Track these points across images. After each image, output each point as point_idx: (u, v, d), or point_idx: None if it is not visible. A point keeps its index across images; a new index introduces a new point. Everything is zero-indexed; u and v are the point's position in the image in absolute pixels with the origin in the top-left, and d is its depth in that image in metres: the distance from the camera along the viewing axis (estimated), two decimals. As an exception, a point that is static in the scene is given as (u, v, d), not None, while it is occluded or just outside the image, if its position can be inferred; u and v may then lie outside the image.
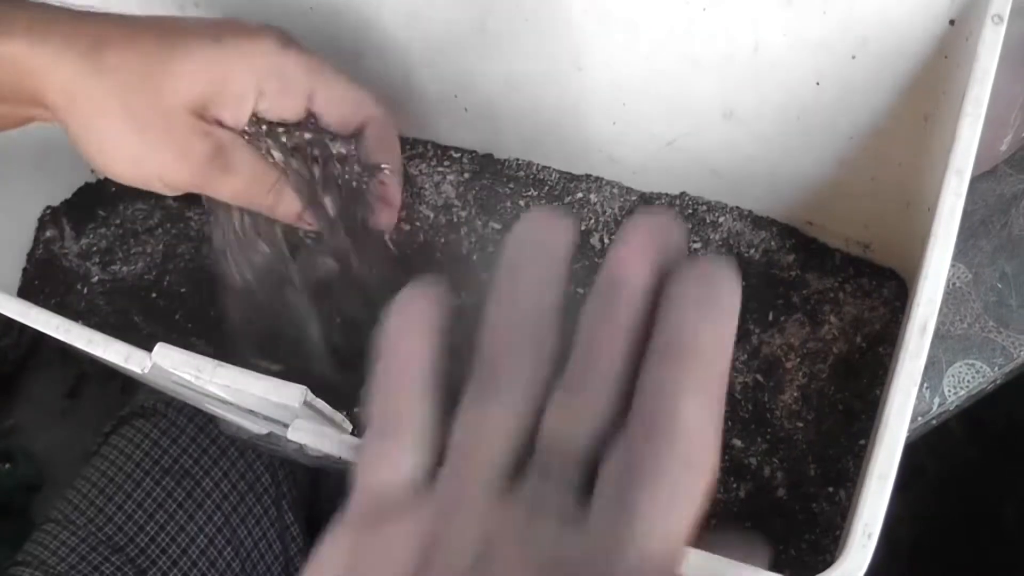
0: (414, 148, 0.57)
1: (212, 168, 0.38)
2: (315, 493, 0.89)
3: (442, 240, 0.53)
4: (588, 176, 0.53)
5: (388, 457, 0.23)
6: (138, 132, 0.37)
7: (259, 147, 0.40)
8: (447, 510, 0.22)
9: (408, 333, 0.25)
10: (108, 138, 0.37)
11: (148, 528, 0.63)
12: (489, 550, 0.21)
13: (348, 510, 0.23)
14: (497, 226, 0.54)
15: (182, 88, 0.37)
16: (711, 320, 0.22)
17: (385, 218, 0.46)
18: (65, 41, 0.36)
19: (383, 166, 0.44)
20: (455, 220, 0.54)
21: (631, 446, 0.21)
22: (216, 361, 0.34)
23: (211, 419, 0.66)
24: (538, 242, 0.24)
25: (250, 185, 0.40)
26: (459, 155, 0.56)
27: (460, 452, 0.23)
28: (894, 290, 0.48)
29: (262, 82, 0.38)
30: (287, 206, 0.41)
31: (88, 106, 0.37)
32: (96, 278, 0.55)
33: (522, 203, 0.54)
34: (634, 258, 0.23)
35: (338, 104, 0.40)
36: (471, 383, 0.24)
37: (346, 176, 0.43)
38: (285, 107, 0.39)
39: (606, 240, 0.52)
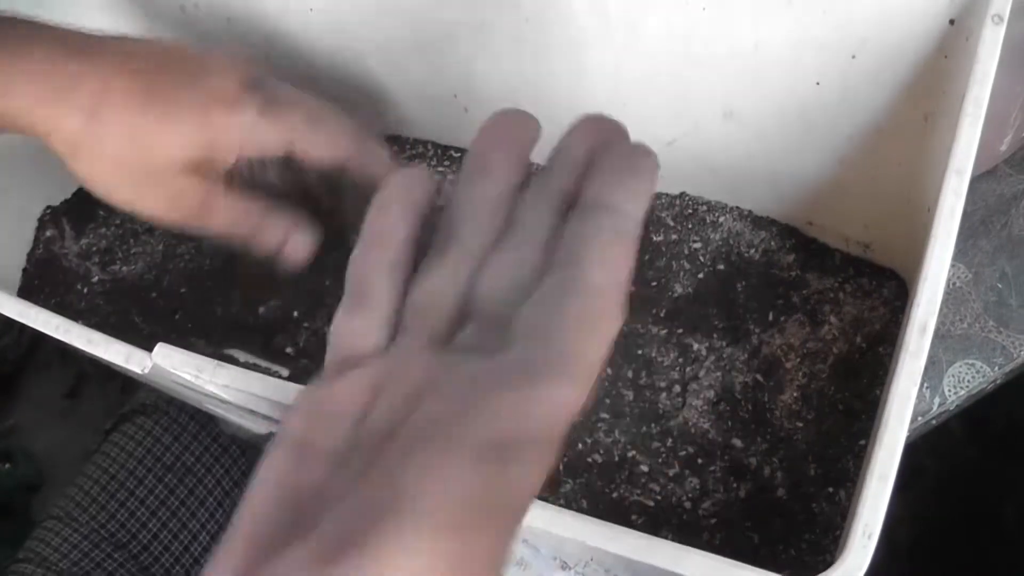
0: (414, 148, 0.57)
1: (200, 212, 0.42)
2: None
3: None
4: (588, 176, 0.53)
5: (357, 329, 0.26)
6: (132, 185, 0.41)
7: (245, 183, 0.43)
8: (396, 360, 0.25)
9: (389, 211, 0.28)
10: (107, 185, 0.41)
11: (151, 525, 0.63)
12: (424, 387, 0.24)
13: (321, 371, 0.26)
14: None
15: (172, 153, 0.40)
16: (625, 181, 0.26)
17: None
18: (68, 100, 0.40)
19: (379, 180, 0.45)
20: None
21: (546, 288, 0.24)
22: (216, 361, 0.34)
23: (212, 417, 0.66)
24: (506, 131, 0.28)
25: (235, 224, 0.43)
26: (459, 155, 0.56)
27: (412, 310, 0.26)
28: (894, 290, 0.48)
29: (243, 148, 0.42)
30: (270, 237, 0.44)
31: (88, 158, 0.41)
32: (96, 278, 0.55)
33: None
34: (578, 139, 0.29)
35: (316, 150, 0.43)
36: (431, 251, 0.27)
37: (337, 189, 0.45)
38: (266, 158, 0.43)
39: (606, 240, 0.52)
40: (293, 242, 0.44)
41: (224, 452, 0.66)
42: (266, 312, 0.53)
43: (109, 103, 0.40)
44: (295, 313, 0.53)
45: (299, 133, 0.42)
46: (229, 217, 0.42)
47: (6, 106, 0.40)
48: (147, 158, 0.40)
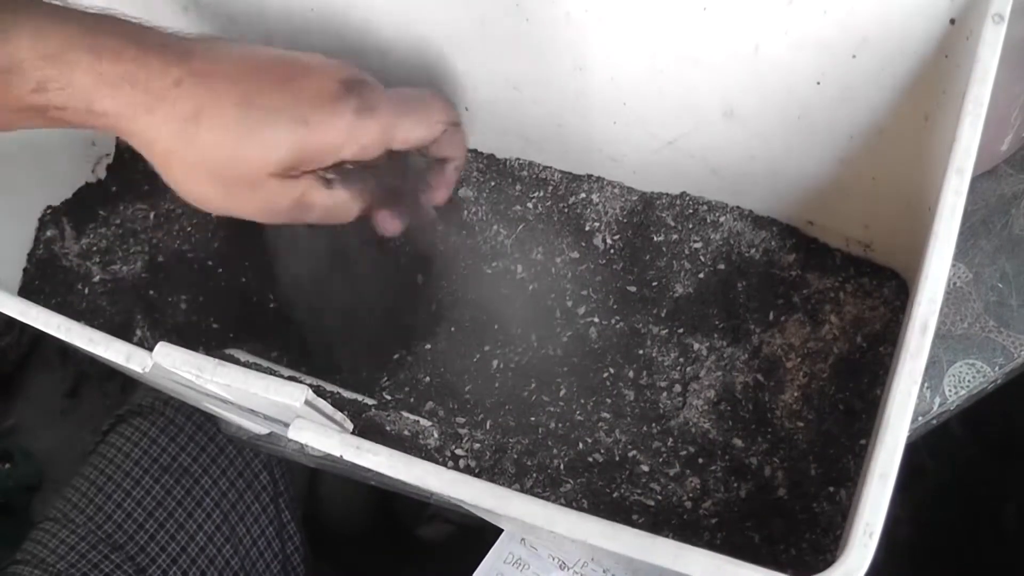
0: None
1: (293, 211, 0.42)
2: (312, 492, 0.89)
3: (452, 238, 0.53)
4: (590, 176, 0.53)
5: None
6: (226, 193, 0.41)
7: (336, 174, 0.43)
8: None
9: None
10: (201, 193, 0.41)
11: (147, 526, 0.63)
12: None
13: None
14: (501, 224, 0.54)
15: (268, 163, 0.40)
16: None
17: (440, 196, 0.49)
18: (165, 115, 0.39)
19: (451, 160, 0.48)
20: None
21: None
22: (217, 360, 0.34)
23: (210, 417, 0.66)
24: None
25: (328, 214, 0.43)
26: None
27: None
28: (894, 290, 0.48)
29: (342, 149, 0.42)
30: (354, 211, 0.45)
31: (182, 168, 0.41)
32: (97, 278, 0.55)
33: (529, 204, 0.54)
34: None
35: (414, 140, 0.44)
36: None
37: (411, 166, 0.47)
38: (364, 157, 0.43)
39: (608, 240, 0.52)
40: (385, 221, 0.45)
41: (220, 453, 0.66)
42: (268, 312, 0.54)
43: (206, 114, 0.39)
44: (295, 316, 0.53)
45: (395, 128, 0.43)
46: (324, 208, 0.43)
47: (103, 108, 0.39)
48: (244, 167, 0.40)
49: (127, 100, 0.39)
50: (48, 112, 0.39)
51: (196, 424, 0.66)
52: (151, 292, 0.54)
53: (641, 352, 0.48)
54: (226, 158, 0.40)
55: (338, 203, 0.43)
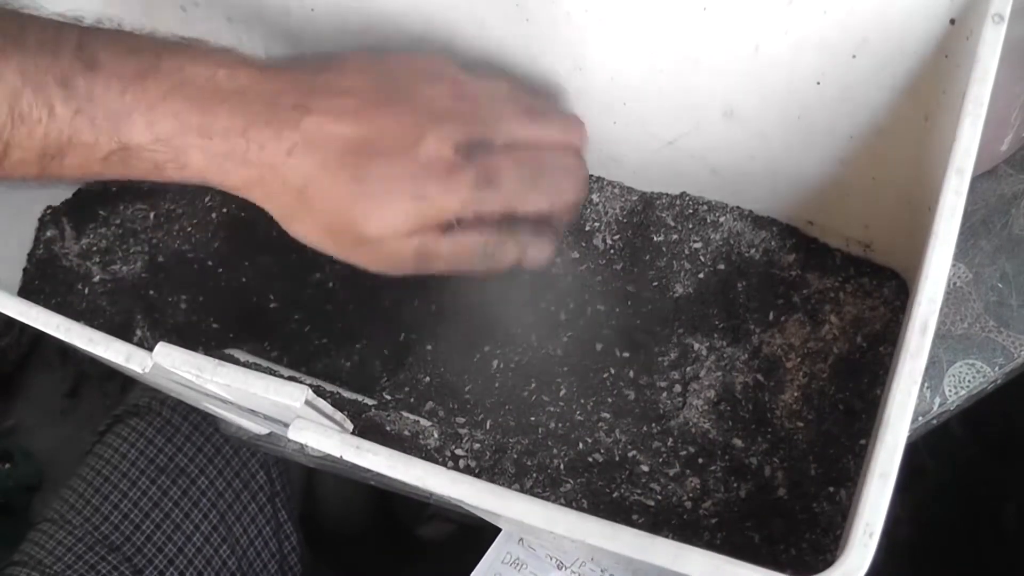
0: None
1: (421, 263, 0.41)
2: (312, 491, 0.89)
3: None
4: (589, 176, 0.53)
5: None
6: (350, 247, 0.41)
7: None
8: None
9: None
10: (323, 247, 0.42)
11: (144, 527, 0.63)
12: None
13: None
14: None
15: (385, 228, 0.40)
16: None
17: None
18: (279, 187, 0.39)
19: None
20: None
21: None
22: (217, 360, 0.34)
23: (206, 417, 0.66)
24: None
25: (459, 262, 0.42)
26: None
27: None
28: (894, 290, 0.48)
29: (462, 215, 0.41)
30: (506, 257, 0.44)
31: (301, 229, 0.41)
32: (97, 278, 0.55)
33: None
34: None
35: (533, 211, 0.43)
36: None
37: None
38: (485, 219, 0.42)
39: (608, 240, 0.52)
40: (533, 248, 0.44)
41: (217, 453, 0.66)
42: (269, 312, 0.54)
43: (318, 187, 0.39)
44: (296, 316, 0.53)
45: (518, 198, 0.42)
46: (452, 260, 0.42)
47: (217, 181, 0.40)
48: (361, 231, 0.40)
49: (240, 174, 0.39)
50: (162, 177, 0.40)
51: (193, 424, 0.66)
52: (151, 292, 0.54)
53: (641, 352, 0.48)
54: (342, 224, 0.40)
55: (462, 251, 0.42)
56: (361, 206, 0.39)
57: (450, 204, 0.40)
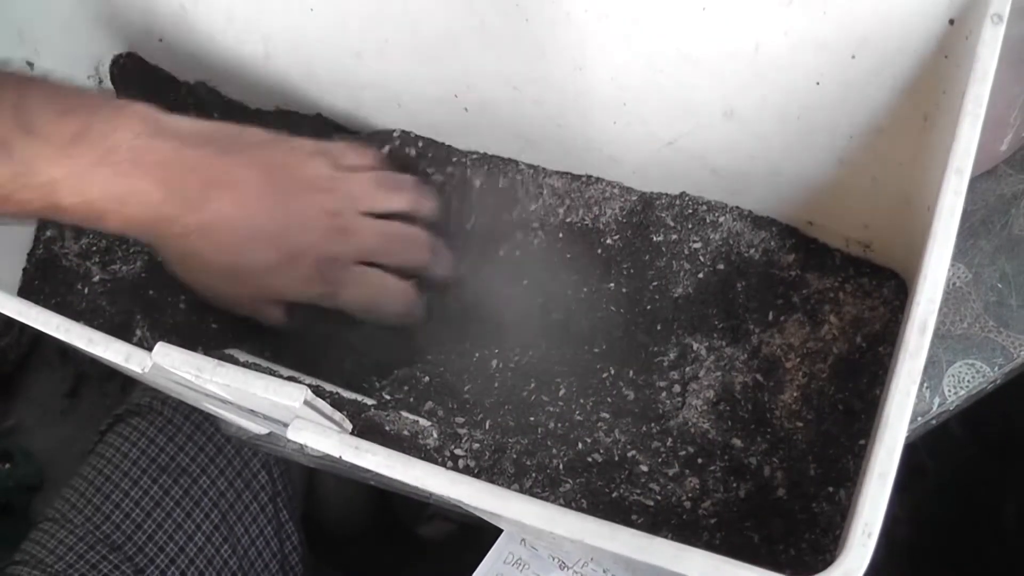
0: (416, 147, 0.57)
1: (329, 290, 0.50)
2: (312, 491, 0.89)
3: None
4: (589, 176, 0.53)
5: None
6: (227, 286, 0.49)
7: None
8: None
9: None
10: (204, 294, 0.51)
11: (145, 526, 0.63)
12: None
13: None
14: (501, 225, 0.54)
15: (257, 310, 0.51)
16: None
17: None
18: (173, 251, 0.48)
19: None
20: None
21: None
22: (216, 360, 0.34)
23: (208, 417, 0.66)
24: None
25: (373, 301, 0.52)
26: (459, 155, 0.56)
27: None
28: (894, 290, 0.48)
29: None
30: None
31: (185, 277, 0.50)
32: (96, 277, 0.55)
33: (528, 205, 0.54)
34: None
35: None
36: None
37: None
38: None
39: (608, 240, 0.52)
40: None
41: (218, 452, 0.66)
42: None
43: (200, 267, 0.48)
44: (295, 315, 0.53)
45: (355, 308, 0.50)
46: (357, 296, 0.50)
47: (126, 236, 0.51)
48: (234, 302, 0.50)
49: (150, 237, 0.47)
50: (86, 226, 0.50)
51: (194, 423, 0.66)
52: (151, 292, 0.54)
53: (641, 352, 0.48)
54: (221, 296, 0.50)
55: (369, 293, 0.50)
56: (233, 296, 0.50)
57: (301, 299, 0.49)
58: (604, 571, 0.54)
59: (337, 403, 0.45)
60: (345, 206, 0.49)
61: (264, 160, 0.48)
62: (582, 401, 0.47)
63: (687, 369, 0.47)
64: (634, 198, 0.52)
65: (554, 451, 0.44)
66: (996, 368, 0.51)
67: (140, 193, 0.44)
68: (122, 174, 0.43)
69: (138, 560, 0.62)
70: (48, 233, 0.57)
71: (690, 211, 0.51)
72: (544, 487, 0.43)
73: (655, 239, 0.51)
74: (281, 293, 0.49)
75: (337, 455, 0.32)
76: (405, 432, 0.44)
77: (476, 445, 0.44)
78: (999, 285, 0.53)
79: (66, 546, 0.62)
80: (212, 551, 0.64)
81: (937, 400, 0.51)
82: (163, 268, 0.52)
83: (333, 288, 0.49)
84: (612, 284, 0.50)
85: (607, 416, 0.46)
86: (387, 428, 0.44)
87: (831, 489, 0.43)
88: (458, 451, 0.44)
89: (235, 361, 0.46)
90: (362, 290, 0.49)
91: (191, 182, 0.45)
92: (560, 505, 0.33)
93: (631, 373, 0.48)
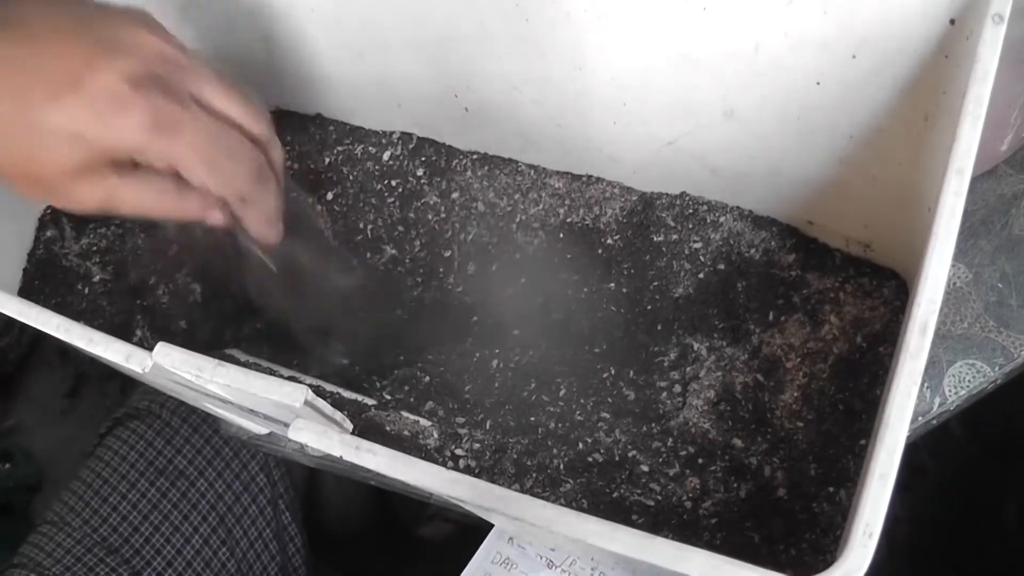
0: (415, 147, 0.57)
1: (101, 204, 0.39)
2: (312, 492, 0.89)
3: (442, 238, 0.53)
4: (589, 176, 0.53)
5: None
6: (28, 191, 0.39)
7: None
8: None
9: None
10: (8, 185, 0.39)
11: (143, 529, 0.63)
12: None
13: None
14: (501, 225, 0.54)
15: (53, 171, 0.38)
16: None
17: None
18: None
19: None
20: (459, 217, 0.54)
21: None
22: (216, 360, 0.34)
23: (205, 420, 0.66)
24: None
25: (145, 208, 0.40)
26: (460, 155, 0.56)
27: None
28: (894, 290, 0.48)
29: (136, 157, 0.39)
30: (187, 209, 0.40)
31: None
32: (96, 277, 0.55)
33: (528, 205, 0.54)
34: None
35: (207, 183, 0.40)
36: None
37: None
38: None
39: (608, 240, 0.52)
40: (212, 212, 0.40)
41: (216, 455, 0.66)
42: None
43: None
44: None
45: (190, 163, 0.38)
46: (138, 203, 0.39)
47: None
48: (38, 175, 0.37)
49: None
50: None
51: (192, 427, 0.66)
52: (151, 292, 0.54)
53: (641, 352, 0.48)
54: (15, 156, 0.37)
55: (147, 196, 0.39)
56: (28, 136, 0.36)
57: (120, 143, 0.37)
58: (592, 569, 0.54)
59: (337, 403, 0.45)
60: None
61: (63, 4, 0.38)
62: (583, 401, 0.47)
63: (687, 369, 0.47)
64: (634, 198, 0.52)
65: (555, 451, 0.44)
66: (996, 368, 0.51)
67: None
68: None
69: (135, 563, 0.62)
70: (48, 233, 0.57)
71: (690, 211, 0.51)
72: (545, 487, 0.43)
73: (655, 239, 0.51)
74: (79, 144, 0.36)
75: (338, 455, 0.32)
76: (406, 432, 0.44)
77: (477, 445, 0.44)
78: (999, 285, 0.53)
79: (63, 549, 0.62)
80: (210, 553, 0.64)
81: (937, 400, 0.51)
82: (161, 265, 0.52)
83: (157, 121, 0.36)
84: (612, 284, 0.50)
85: (607, 416, 0.46)
86: (388, 428, 0.44)
87: (832, 489, 0.43)
88: (459, 451, 0.44)
89: (235, 361, 0.46)
90: (204, 135, 0.38)
91: None
92: (561, 505, 0.33)
93: (631, 373, 0.48)
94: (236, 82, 0.41)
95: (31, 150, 0.36)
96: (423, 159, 0.56)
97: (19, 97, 0.36)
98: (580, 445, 0.45)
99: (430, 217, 0.54)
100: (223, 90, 0.40)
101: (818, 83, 0.42)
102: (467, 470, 0.44)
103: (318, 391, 0.45)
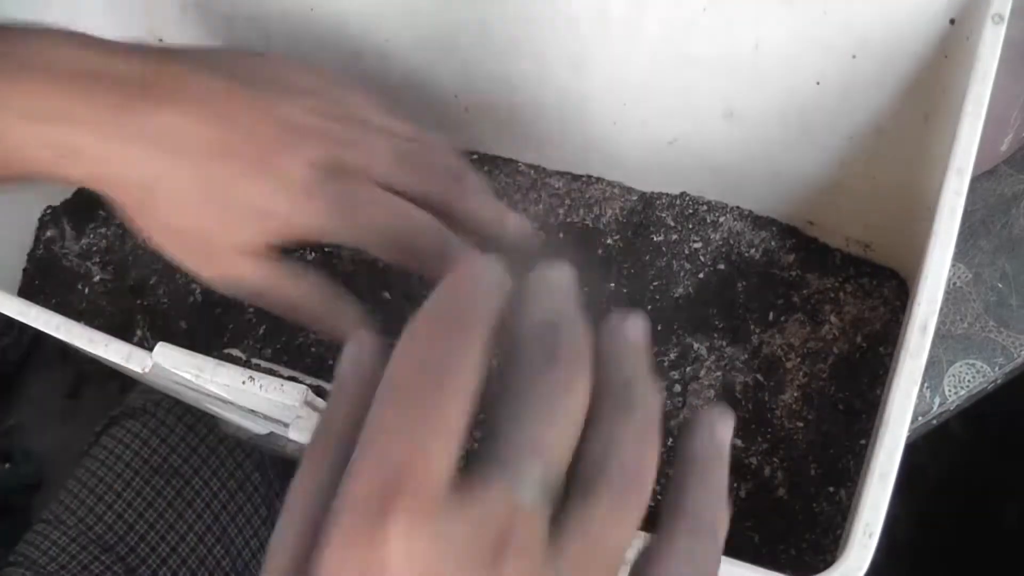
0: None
1: (261, 293, 0.38)
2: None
3: None
4: (589, 177, 0.53)
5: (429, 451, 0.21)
6: (192, 256, 0.38)
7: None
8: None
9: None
10: (166, 251, 0.39)
11: (137, 527, 0.63)
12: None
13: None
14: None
15: (232, 243, 0.37)
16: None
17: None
18: (121, 184, 0.36)
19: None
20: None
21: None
22: (216, 360, 0.34)
23: (200, 419, 0.66)
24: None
25: (294, 308, 0.39)
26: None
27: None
28: (894, 290, 0.48)
29: (312, 241, 0.38)
30: (330, 325, 0.40)
31: (146, 229, 0.38)
32: (97, 278, 0.55)
33: (529, 205, 0.54)
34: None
35: (395, 261, 0.39)
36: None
37: None
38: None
39: (608, 240, 0.52)
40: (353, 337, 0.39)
41: (211, 453, 0.66)
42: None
43: (162, 188, 0.35)
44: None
45: (374, 242, 0.37)
46: (290, 300, 0.38)
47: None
48: (207, 244, 0.37)
49: (83, 169, 0.36)
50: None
51: (187, 425, 0.66)
52: (151, 292, 0.54)
53: (641, 352, 0.48)
54: (191, 232, 0.37)
55: (303, 295, 0.38)
56: (211, 215, 0.35)
57: (298, 228, 0.36)
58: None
59: (337, 403, 0.45)
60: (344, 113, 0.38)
61: (238, 69, 0.37)
62: (582, 401, 0.47)
63: (688, 369, 0.47)
64: (634, 198, 0.52)
65: (554, 451, 0.44)
66: (996, 368, 0.51)
67: (73, 107, 0.34)
68: (44, 86, 0.34)
69: (130, 560, 0.62)
70: (48, 233, 0.57)
71: (690, 211, 0.51)
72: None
73: (655, 239, 0.51)
74: (264, 222, 0.35)
75: (338, 455, 0.32)
76: (405, 432, 0.44)
77: (476, 445, 0.44)
78: (999, 285, 0.53)
79: (59, 547, 0.62)
80: (204, 551, 0.64)
81: (938, 400, 0.51)
82: (155, 259, 0.52)
83: (340, 207, 0.36)
84: (612, 284, 0.50)
85: (607, 416, 0.46)
86: (387, 428, 0.44)
87: (832, 489, 0.43)
88: (458, 451, 0.44)
89: (235, 361, 0.46)
90: (383, 214, 0.36)
91: (134, 87, 0.35)
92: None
93: (631, 373, 0.48)
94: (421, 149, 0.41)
95: (215, 219, 0.36)
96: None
97: (214, 177, 0.35)
98: (580, 445, 0.45)
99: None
100: (386, 110, 0.40)
101: (818, 83, 0.42)
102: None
103: (318, 391, 0.45)
